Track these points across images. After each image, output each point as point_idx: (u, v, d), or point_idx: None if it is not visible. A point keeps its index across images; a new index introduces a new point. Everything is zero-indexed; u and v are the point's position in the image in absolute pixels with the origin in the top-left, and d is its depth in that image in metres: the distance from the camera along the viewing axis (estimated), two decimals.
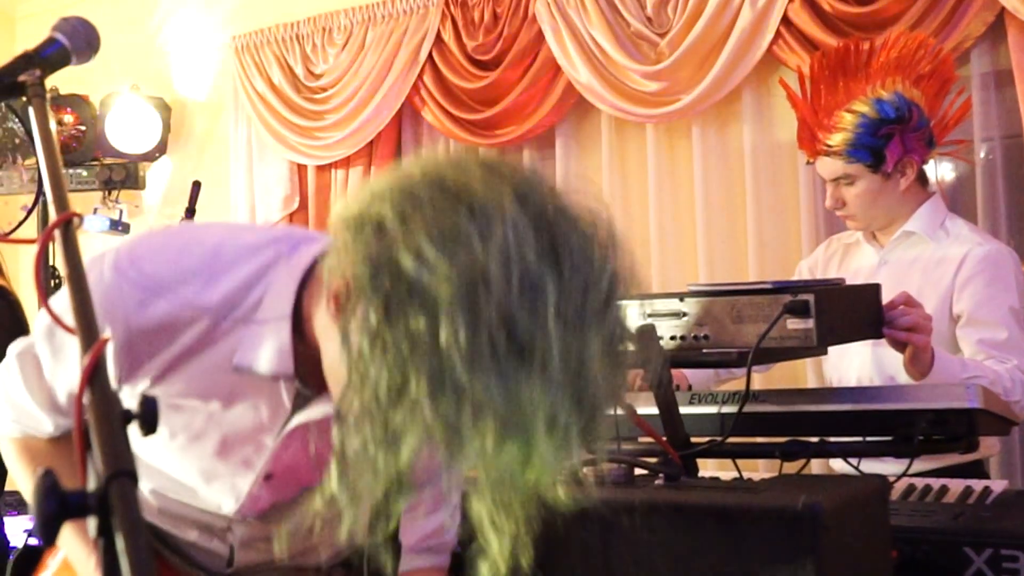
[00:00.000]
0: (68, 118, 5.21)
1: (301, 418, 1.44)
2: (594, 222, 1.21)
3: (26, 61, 1.29)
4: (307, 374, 1.40)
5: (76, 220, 1.03)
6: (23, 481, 1.67)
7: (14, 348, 1.55)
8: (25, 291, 5.52)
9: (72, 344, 1.43)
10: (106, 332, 1.29)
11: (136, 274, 1.40)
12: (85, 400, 0.88)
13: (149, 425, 0.85)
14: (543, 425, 1.10)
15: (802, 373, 3.77)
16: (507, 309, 1.08)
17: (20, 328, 2.63)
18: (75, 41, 1.34)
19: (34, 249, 1.09)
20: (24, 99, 1.26)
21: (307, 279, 1.39)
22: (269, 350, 1.39)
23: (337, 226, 1.20)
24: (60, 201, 1.06)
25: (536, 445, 1.11)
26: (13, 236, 1.27)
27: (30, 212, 1.57)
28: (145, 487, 1.61)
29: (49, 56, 1.32)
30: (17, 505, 3.20)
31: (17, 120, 4.69)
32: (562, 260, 1.12)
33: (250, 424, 1.46)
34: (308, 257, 1.40)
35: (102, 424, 0.83)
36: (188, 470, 1.54)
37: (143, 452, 1.52)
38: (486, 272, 1.08)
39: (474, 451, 1.11)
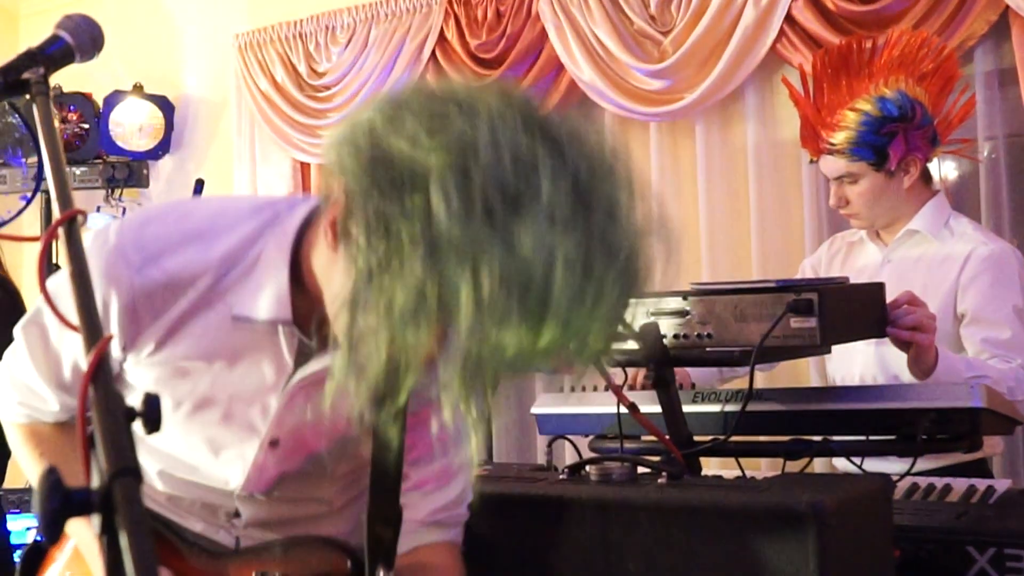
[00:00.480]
0: (72, 116, 5.21)
1: (304, 373, 1.46)
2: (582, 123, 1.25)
3: (30, 58, 1.29)
4: (307, 323, 1.42)
5: (80, 218, 1.03)
6: (30, 468, 1.68)
7: (20, 322, 1.57)
8: (26, 286, 5.53)
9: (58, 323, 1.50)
10: (111, 297, 1.40)
11: (139, 238, 1.44)
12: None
13: (153, 423, 0.85)
14: (540, 275, 1.11)
15: (804, 372, 3.77)
16: (499, 174, 1.11)
17: (19, 316, 2.62)
18: (79, 39, 1.34)
19: (37, 246, 1.09)
20: (27, 96, 1.26)
21: (304, 230, 1.42)
22: (268, 297, 1.42)
23: (329, 149, 1.23)
24: (64, 199, 1.06)
25: (530, 301, 1.11)
26: (18, 233, 1.26)
27: (28, 203, 1.58)
28: (152, 468, 1.62)
29: (53, 54, 1.32)
30: (19, 504, 3.20)
31: (17, 116, 4.69)
32: (555, 137, 1.16)
33: (254, 385, 1.48)
34: (305, 210, 1.43)
35: (106, 422, 0.83)
36: (195, 442, 1.55)
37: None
38: (475, 143, 1.12)
39: (470, 314, 1.11)
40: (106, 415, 0.83)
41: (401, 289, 1.13)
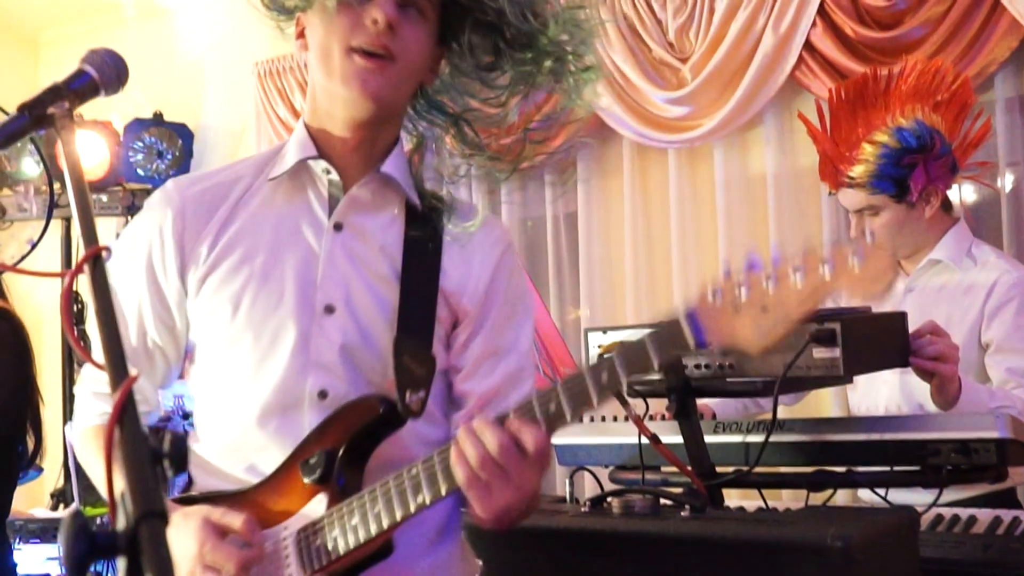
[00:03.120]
0: (92, 143, 5.24)
1: (337, 215, 1.67)
2: None
3: (55, 93, 1.29)
4: (332, 158, 1.69)
5: (105, 254, 1.03)
6: (96, 471, 1.76)
7: None
8: (39, 312, 5.55)
9: (120, 281, 1.71)
10: (164, 217, 1.68)
11: (182, 177, 1.77)
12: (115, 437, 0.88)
13: (178, 464, 0.85)
14: None
15: (826, 402, 3.74)
16: None
17: (24, 349, 2.63)
18: (104, 73, 1.34)
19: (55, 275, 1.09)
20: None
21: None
22: (292, 148, 1.70)
23: None
24: (88, 234, 1.06)
25: None
26: (36, 255, 1.27)
27: (34, 246, 1.60)
28: (228, 417, 1.69)
29: (78, 88, 1.32)
30: (40, 533, 3.20)
31: (36, 152, 4.73)
32: None
33: (300, 256, 1.66)
34: None
35: (132, 463, 0.82)
36: (259, 339, 1.65)
37: (222, 370, 1.70)
38: None
39: None
40: (132, 457, 0.82)
41: None
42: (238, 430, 1.67)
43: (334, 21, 1.60)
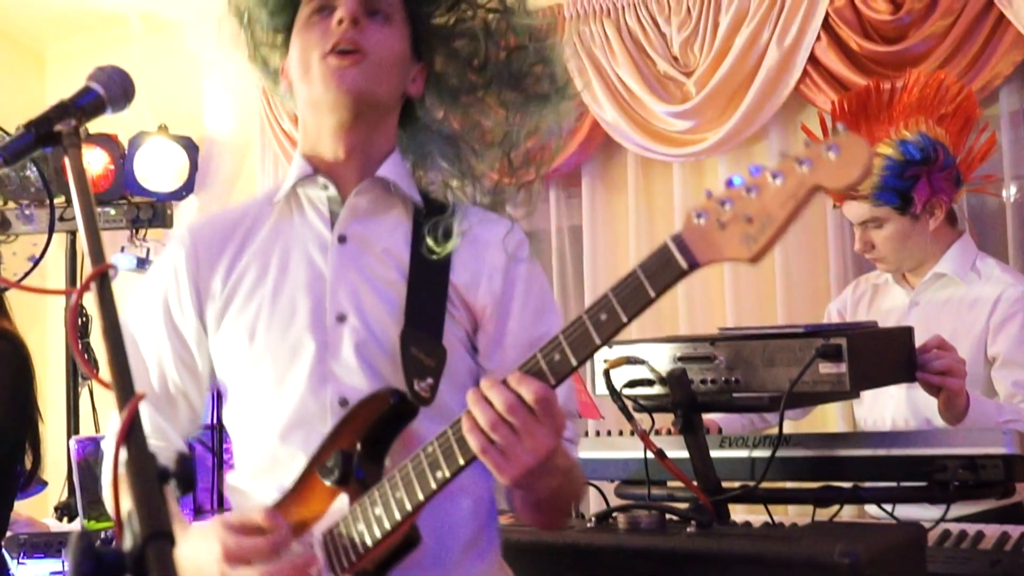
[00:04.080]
0: (97, 157, 5.25)
1: (339, 227, 1.71)
2: None
3: (62, 110, 1.29)
4: (328, 175, 1.73)
5: (112, 272, 1.03)
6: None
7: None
8: (43, 322, 5.55)
9: (139, 327, 1.75)
10: (178, 255, 1.74)
11: (194, 218, 1.81)
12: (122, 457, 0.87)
13: (186, 484, 0.84)
14: None
15: (831, 415, 3.74)
16: None
17: (25, 369, 2.63)
18: (111, 90, 1.35)
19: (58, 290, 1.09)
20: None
21: None
22: (290, 174, 1.75)
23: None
24: (95, 252, 1.06)
25: None
26: (44, 283, 1.27)
27: (36, 263, 1.60)
28: (258, 447, 1.71)
29: (85, 105, 1.32)
30: (43, 547, 3.20)
31: (35, 168, 4.72)
32: None
33: (309, 274, 1.69)
34: None
35: (139, 483, 0.82)
36: (278, 359, 1.68)
37: (246, 396, 1.72)
38: None
39: None
40: (139, 477, 0.82)
41: None
42: (266, 451, 1.69)
43: (308, 37, 1.69)
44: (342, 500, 1.57)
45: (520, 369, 1.43)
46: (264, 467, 1.70)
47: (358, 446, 1.57)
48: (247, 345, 1.70)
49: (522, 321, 1.71)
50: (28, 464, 2.68)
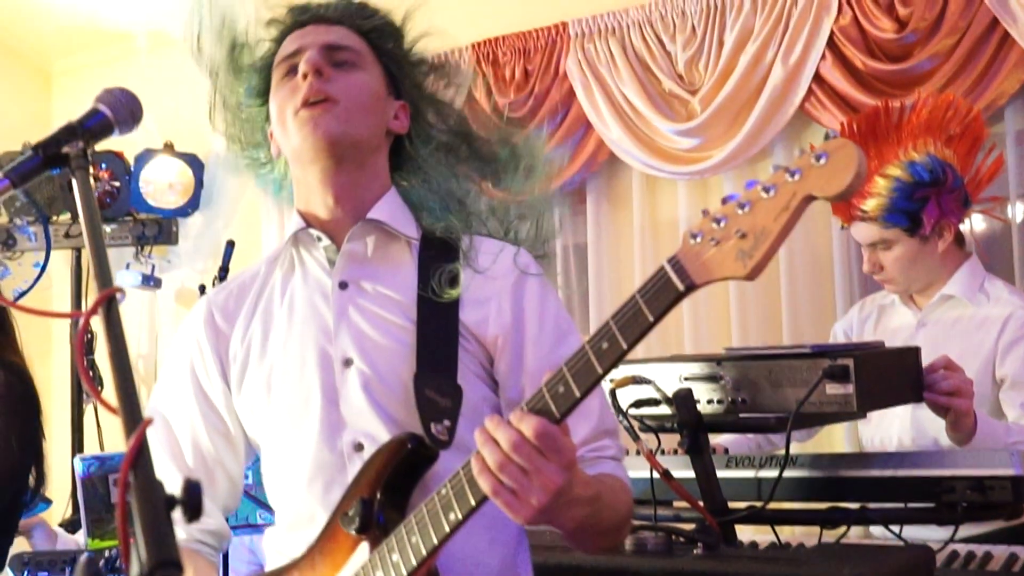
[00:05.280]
0: (103, 174, 5.26)
1: (338, 274, 1.72)
2: None
3: (69, 132, 1.29)
4: (323, 226, 1.76)
5: (119, 295, 1.03)
6: None
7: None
8: (48, 338, 5.55)
9: (169, 402, 1.79)
10: (199, 329, 1.79)
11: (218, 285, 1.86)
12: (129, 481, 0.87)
13: (193, 511, 0.84)
14: None
15: (837, 434, 3.72)
16: None
17: (32, 402, 2.62)
18: (118, 112, 1.35)
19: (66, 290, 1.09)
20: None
21: None
22: (288, 227, 1.79)
23: None
24: (103, 276, 1.06)
25: None
26: (53, 310, 1.27)
27: (37, 279, 1.60)
28: (292, 517, 1.72)
29: (92, 127, 1.32)
30: (48, 566, 3.19)
31: (27, 198, 4.73)
32: None
33: (315, 324, 1.71)
34: None
35: (146, 511, 0.81)
36: (292, 410, 1.69)
37: (272, 452, 1.75)
38: None
39: None
40: (146, 504, 0.82)
41: None
42: (294, 504, 1.71)
43: (280, 96, 1.74)
44: (363, 548, 1.56)
45: (526, 404, 1.42)
46: (295, 521, 1.70)
47: (378, 494, 1.56)
48: (265, 400, 1.72)
49: (539, 346, 1.69)
50: (32, 482, 2.68)
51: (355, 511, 1.56)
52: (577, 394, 1.37)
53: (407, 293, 1.70)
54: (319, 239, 1.75)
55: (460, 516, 1.46)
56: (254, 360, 1.75)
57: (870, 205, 2.71)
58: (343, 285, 1.72)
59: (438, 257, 1.72)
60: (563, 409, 1.39)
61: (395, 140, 1.82)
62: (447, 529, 1.47)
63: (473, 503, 1.45)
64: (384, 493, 1.57)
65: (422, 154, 1.82)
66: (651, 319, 1.31)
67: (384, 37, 1.81)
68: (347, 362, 1.67)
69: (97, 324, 1.02)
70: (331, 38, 1.76)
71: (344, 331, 1.69)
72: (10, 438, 2.51)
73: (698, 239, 1.27)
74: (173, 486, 1.72)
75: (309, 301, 1.74)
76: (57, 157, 1.27)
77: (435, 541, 1.48)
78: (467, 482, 1.45)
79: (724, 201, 1.27)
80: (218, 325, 1.80)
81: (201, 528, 1.77)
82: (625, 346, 1.33)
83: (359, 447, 1.64)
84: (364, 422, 1.64)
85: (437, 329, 1.66)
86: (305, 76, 1.70)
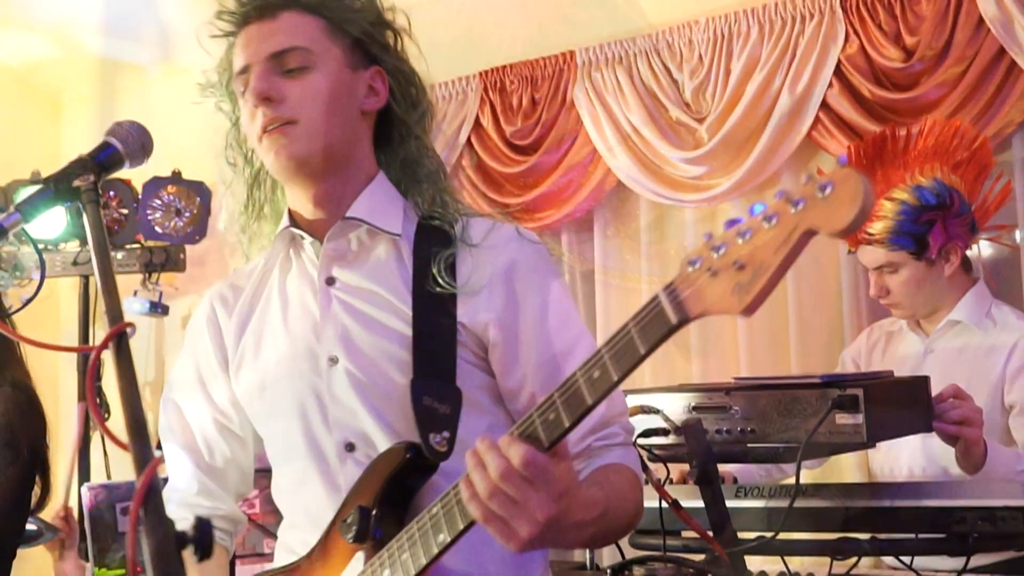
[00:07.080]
0: (111, 202, 5.27)
1: (324, 271, 1.72)
2: None
3: (81, 166, 1.30)
4: (307, 224, 1.75)
5: (130, 330, 1.03)
6: None
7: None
8: (55, 362, 5.55)
9: (182, 403, 1.82)
10: (202, 324, 1.82)
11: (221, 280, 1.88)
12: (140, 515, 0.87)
13: (204, 550, 0.84)
14: None
15: (847, 463, 3.70)
16: None
17: (39, 419, 2.62)
18: (129, 145, 1.36)
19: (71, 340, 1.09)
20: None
21: None
22: (280, 226, 1.78)
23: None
24: (113, 311, 1.06)
25: None
26: (64, 344, 1.27)
27: (28, 301, 1.61)
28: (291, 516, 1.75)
29: (103, 160, 1.33)
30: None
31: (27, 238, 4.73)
32: None
33: (305, 320, 1.71)
34: None
35: (156, 549, 0.81)
36: (283, 407, 1.70)
37: (270, 449, 1.77)
38: None
39: None
40: (157, 542, 0.81)
41: None
42: (291, 503, 1.72)
43: (245, 120, 1.75)
44: (358, 558, 1.56)
45: (516, 429, 1.37)
46: (294, 519, 1.72)
47: (376, 504, 1.56)
48: (259, 396, 1.73)
49: (536, 328, 1.64)
50: (37, 492, 2.67)
51: (352, 519, 1.56)
52: (566, 424, 1.33)
53: (398, 289, 1.66)
54: (303, 237, 1.75)
55: (448, 538, 1.44)
56: (250, 355, 1.76)
57: (876, 228, 2.71)
58: (330, 282, 1.72)
59: (434, 245, 1.67)
60: (552, 438, 1.34)
61: (384, 111, 1.76)
62: (434, 551, 1.46)
63: (462, 526, 1.43)
64: (381, 504, 1.56)
65: (410, 119, 1.76)
66: (642, 352, 1.25)
67: (336, 6, 1.72)
68: (333, 360, 1.67)
69: (106, 352, 1.02)
70: (276, 43, 1.67)
71: (330, 329, 1.68)
72: (21, 450, 2.52)
73: (696, 266, 1.20)
74: (185, 476, 1.77)
75: (301, 298, 1.75)
76: (68, 191, 1.28)
77: (423, 561, 1.47)
78: (457, 504, 1.42)
79: (727, 225, 1.21)
80: (219, 318, 1.82)
81: (214, 513, 1.79)
82: (616, 378, 1.28)
83: (350, 447, 1.64)
84: (354, 422, 1.64)
85: (434, 328, 1.62)
86: (255, 106, 1.68)
